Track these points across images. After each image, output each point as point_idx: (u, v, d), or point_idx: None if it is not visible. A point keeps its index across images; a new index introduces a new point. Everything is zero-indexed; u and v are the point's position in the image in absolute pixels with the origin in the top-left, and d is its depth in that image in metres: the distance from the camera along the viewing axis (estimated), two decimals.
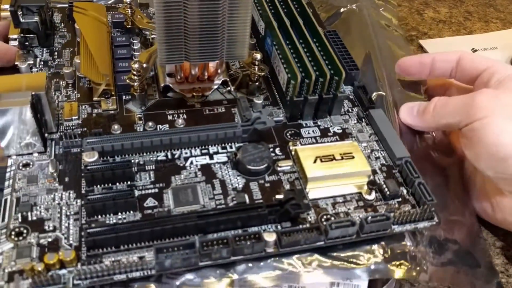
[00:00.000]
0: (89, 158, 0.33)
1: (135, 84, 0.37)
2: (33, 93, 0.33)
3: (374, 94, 0.42)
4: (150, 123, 0.37)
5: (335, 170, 0.34)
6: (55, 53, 0.42)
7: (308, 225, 0.32)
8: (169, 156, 0.35)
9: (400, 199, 0.34)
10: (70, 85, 0.40)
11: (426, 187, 0.34)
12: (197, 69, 0.37)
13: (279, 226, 0.32)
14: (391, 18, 0.51)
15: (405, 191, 0.35)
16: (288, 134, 0.38)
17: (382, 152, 0.37)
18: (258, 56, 0.39)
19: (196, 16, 0.32)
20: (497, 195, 0.37)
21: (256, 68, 0.39)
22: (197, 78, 0.39)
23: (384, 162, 0.37)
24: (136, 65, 0.37)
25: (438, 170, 0.39)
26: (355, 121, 0.40)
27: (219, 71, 0.39)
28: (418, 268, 0.32)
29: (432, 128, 0.40)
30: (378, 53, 0.46)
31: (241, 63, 0.44)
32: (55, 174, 0.33)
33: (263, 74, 0.40)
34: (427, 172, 0.37)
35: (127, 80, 0.37)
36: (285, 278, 0.30)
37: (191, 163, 0.35)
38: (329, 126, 0.39)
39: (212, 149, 0.36)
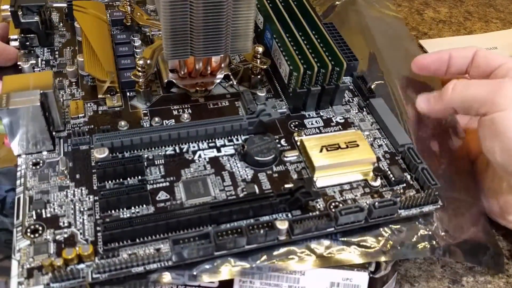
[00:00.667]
0: (100, 154, 0.33)
1: (140, 80, 0.38)
2: (41, 91, 0.33)
3: (374, 83, 0.43)
4: (156, 119, 0.38)
5: (341, 158, 0.34)
6: (56, 52, 0.43)
7: (318, 212, 0.33)
8: (178, 150, 0.36)
9: (404, 185, 0.35)
10: (74, 83, 0.40)
11: (430, 172, 0.35)
12: (201, 63, 0.38)
13: (289, 215, 0.32)
14: (388, 5, 0.52)
15: (409, 177, 0.36)
16: (292, 125, 0.39)
17: (384, 140, 0.38)
18: (260, 49, 0.40)
19: (201, 11, 0.33)
20: (505, 193, 0.37)
21: (258, 61, 0.40)
22: (200, 73, 0.40)
23: (387, 150, 0.37)
24: (141, 62, 0.37)
25: (450, 159, 0.39)
26: (357, 111, 0.40)
27: (222, 65, 0.39)
28: (432, 245, 0.33)
29: (449, 111, 0.38)
30: (377, 43, 0.47)
31: (242, 57, 0.44)
32: (66, 172, 0.34)
33: (265, 67, 0.40)
34: (439, 159, 0.38)
35: (132, 77, 0.38)
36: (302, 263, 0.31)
37: (200, 156, 0.35)
38: (331, 116, 0.40)
39: (219, 142, 0.37)
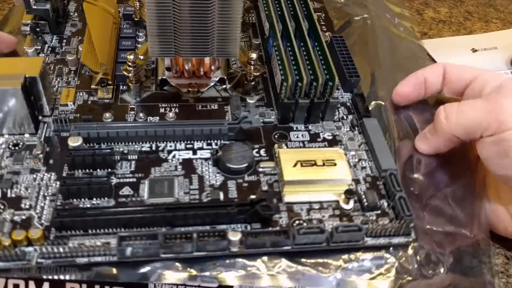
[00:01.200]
0: (73, 142, 0.34)
1: (130, 75, 0.38)
2: (27, 75, 0.34)
3: (373, 103, 0.41)
4: (141, 114, 0.38)
5: (313, 175, 0.33)
6: (64, 41, 0.44)
7: (278, 228, 0.31)
8: (154, 148, 0.36)
9: (379, 212, 0.33)
10: (73, 72, 0.41)
11: (407, 201, 0.33)
12: (191, 64, 0.38)
13: (248, 227, 0.32)
14: (409, 27, 0.50)
15: (386, 204, 0.34)
16: (276, 136, 0.38)
17: (369, 163, 0.36)
18: (254, 55, 0.39)
19: (185, 11, 0.33)
20: None
21: (252, 68, 0.39)
22: (194, 74, 0.40)
23: (369, 173, 0.36)
24: (132, 57, 0.37)
25: (452, 178, 0.37)
26: (348, 129, 0.39)
27: (212, 67, 0.39)
28: (396, 279, 0.31)
29: (453, 140, 0.36)
30: (385, 66, 0.45)
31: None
32: (41, 156, 0.34)
33: (258, 74, 0.39)
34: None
35: (123, 71, 0.38)
36: (248, 278, 0.30)
37: (174, 156, 0.35)
38: (319, 131, 0.38)
39: (197, 145, 0.36)
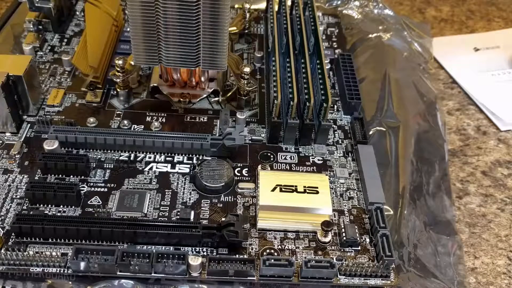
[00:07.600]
0: (49, 146, 0.33)
1: (118, 80, 0.37)
2: (10, 74, 0.33)
3: (374, 129, 0.39)
4: (125, 121, 0.37)
5: (291, 202, 0.31)
6: (65, 40, 0.43)
7: (244, 256, 0.29)
8: (132, 158, 0.34)
9: (358, 248, 0.31)
10: (67, 72, 0.40)
11: (390, 240, 0.30)
12: (179, 74, 0.36)
13: (214, 251, 0.30)
14: (422, 53, 0.47)
15: (368, 240, 0.31)
16: (262, 155, 0.36)
17: (357, 193, 0.34)
18: (247, 69, 0.37)
19: (169, 18, 0.31)
20: None
21: (245, 82, 0.38)
22: (186, 84, 0.38)
23: (356, 204, 0.33)
24: (120, 62, 0.36)
25: None
26: (341, 154, 0.36)
27: (202, 79, 0.37)
28: None
29: None
30: (395, 87, 0.43)
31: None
32: (17, 156, 0.34)
33: (250, 89, 0.38)
34: None
35: (111, 76, 0.37)
36: None
37: (151, 168, 0.34)
38: (310, 154, 0.36)
39: (177, 158, 0.35)
